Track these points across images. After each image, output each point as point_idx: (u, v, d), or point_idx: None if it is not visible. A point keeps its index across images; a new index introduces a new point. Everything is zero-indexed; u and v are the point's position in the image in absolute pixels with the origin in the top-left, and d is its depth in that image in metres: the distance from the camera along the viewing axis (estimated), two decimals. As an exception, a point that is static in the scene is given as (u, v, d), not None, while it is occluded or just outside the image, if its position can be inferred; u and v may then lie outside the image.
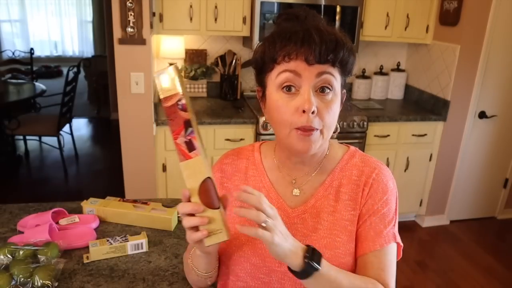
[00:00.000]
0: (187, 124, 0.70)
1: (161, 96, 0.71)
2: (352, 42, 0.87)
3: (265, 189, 0.91)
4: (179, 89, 0.70)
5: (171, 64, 2.85)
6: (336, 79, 0.79)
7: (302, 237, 0.85)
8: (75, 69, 4.06)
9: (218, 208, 0.72)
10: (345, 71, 0.81)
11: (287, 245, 0.70)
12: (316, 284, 0.73)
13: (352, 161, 0.90)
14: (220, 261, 0.92)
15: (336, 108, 0.81)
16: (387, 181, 0.87)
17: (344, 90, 0.86)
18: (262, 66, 0.83)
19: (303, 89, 0.76)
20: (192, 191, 0.72)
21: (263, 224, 0.67)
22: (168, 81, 0.70)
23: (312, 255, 0.72)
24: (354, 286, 0.77)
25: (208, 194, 0.71)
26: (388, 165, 3.08)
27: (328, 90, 0.78)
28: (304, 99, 0.76)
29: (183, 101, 0.70)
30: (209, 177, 0.71)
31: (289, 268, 0.73)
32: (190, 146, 0.71)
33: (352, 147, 0.94)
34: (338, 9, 2.86)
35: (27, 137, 4.50)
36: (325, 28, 0.78)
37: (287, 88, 0.78)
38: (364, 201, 0.85)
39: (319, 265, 0.72)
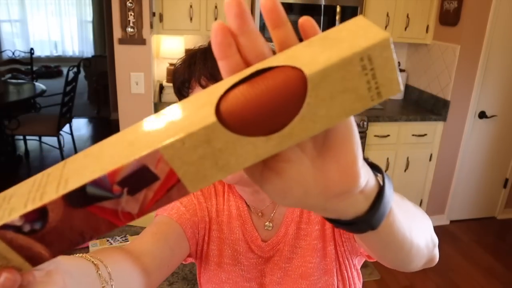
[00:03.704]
0: (78, 200, 0.30)
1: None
2: None
3: (241, 218, 0.83)
4: None
5: (171, 65, 2.76)
6: None
7: (280, 271, 0.80)
8: (75, 69, 4.06)
9: None
10: None
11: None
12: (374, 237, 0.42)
13: None
14: None
15: None
16: None
17: None
18: None
19: None
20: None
21: None
22: None
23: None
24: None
25: None
26: (388, 165, 3.08)
27: None
28: None
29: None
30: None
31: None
32: (138, 180, 0.31)
33: None
34: (338, 9, 2.86)
35: (27, 137, 4.50)
36: None
37: None
38: None
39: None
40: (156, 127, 0.29)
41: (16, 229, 0.29)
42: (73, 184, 0.28)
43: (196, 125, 0.27)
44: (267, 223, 0.82)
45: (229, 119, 0.27)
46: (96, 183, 0.28)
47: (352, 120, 0.32)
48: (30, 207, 0.28)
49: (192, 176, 0.29)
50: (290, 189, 0.33)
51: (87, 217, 0.29)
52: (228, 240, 0.82)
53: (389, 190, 0.37)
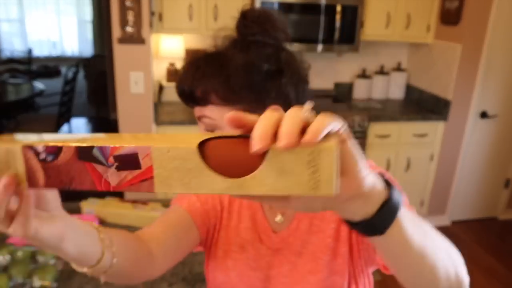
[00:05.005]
0: (84, 154, 0.40)
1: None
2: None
3: (252, 208, 0.85)
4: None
5: (171, 64, 2.76)
6: (219, 118, 0.70)
7: (289, 264, 0.81)
8: (74, 69, 4.04)
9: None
10: (238, 103, 0.69)
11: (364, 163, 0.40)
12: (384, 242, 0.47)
13: None
14: (212, 286, 0.88)
15: None
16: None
17: None
18: None
19: None
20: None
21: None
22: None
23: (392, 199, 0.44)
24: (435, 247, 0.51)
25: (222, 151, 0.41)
26: (389, 165, 3.07)
27: (218, 130, 0.71)
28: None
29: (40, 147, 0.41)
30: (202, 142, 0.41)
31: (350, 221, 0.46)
32: (127, 161, 0.39)
33: None
34: (338, 8, 2.84)
35: (26, 137, 4.48)
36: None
37: None
38: None
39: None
40: (161, 137, 0.41)
41: (36, 153, 0.41)
42: (87, 144, 0.40)
43: (183, 144, 0.38)
44: (278, 216, 0.83)
45: (207, 152, 0.38)
46: (101, 149, 0.40)
47: (353, 149, 0.39)
48: (52, 144, 0.40)
49: (162, 179, 0.39)
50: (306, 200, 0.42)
51: (81, 170, 0.41)
52: (237, 228, 0.84)
53: (395, 199, 0.44)
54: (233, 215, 0.85)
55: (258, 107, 0.69)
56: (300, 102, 0.74)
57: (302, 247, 0.80)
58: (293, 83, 0.73)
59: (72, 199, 1.62)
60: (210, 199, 0.85)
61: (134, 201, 1.50)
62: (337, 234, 0.79)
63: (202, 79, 0.70)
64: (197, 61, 0.72)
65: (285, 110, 0.70)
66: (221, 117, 0.70)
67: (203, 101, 0.71)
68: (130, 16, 2.37)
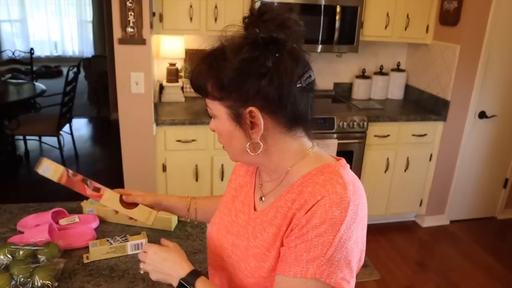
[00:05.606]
0: (84, 181, 1.08)
1: (56, 180, 1.05)
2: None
3: (247, 187, 0.98)
4: (61, 168, 1.06)
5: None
6: (217, 109, 0.81)
7: (246, 241, 0.89)
8: (75, 69, 4.05)
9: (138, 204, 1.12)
10: (225, 100, 0.78)
11: (162, 276, 0.91)
12: None
13: (318, 178, 0.79)
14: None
15: (225, 133, 0.83)
16: (330, 207, 0.73)
17: (250, 123, 0.79)
18: None
19: None
20: (120, 210, 1.10)
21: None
22: (50, 169, 1.04)
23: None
24: None
25: (128, 202, 1.12)
26: (388, 165, 3.08)
27: (215, 118, 0.84)
28: None
29: (70, 172, 1.07)
30: (120, 195, 1.12)
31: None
32: (96, 189, 1.09)
33: (331, 164, 0.82)
34: (338, 9, 2.86)
35: (27, 137, 4.50)
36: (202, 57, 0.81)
37: None
38: (298, 222, 0.77)
39: None
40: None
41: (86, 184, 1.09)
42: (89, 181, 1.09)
43: (113, 195, 1.12)
44: (263, 197, 0.92)
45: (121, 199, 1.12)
46: (91, 181, 1.11)
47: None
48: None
49: (103, 200, 1.11)
50: None
51: (79, 184, 1.09)
52: (233, 197, 1.01)
53: None
54: (236, 187, 1.02)
55: (241, 106, 0.77)
56: (285, 102, 0.78)
57: (259, 232, 0.87)
58: (276, 86, 0.75)
59: (74, 199, 1.63)
60: (232, 175, 1.07)
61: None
62: (283, 237, 0.81)
63: (198, 75, 0.81)
64: (200, 58, 0.81)
65: (270, 109, 0.79)
66: (215, 109, 0.82)
67: (201, 94, 0.83)
68: (131, 17, 2.38)
